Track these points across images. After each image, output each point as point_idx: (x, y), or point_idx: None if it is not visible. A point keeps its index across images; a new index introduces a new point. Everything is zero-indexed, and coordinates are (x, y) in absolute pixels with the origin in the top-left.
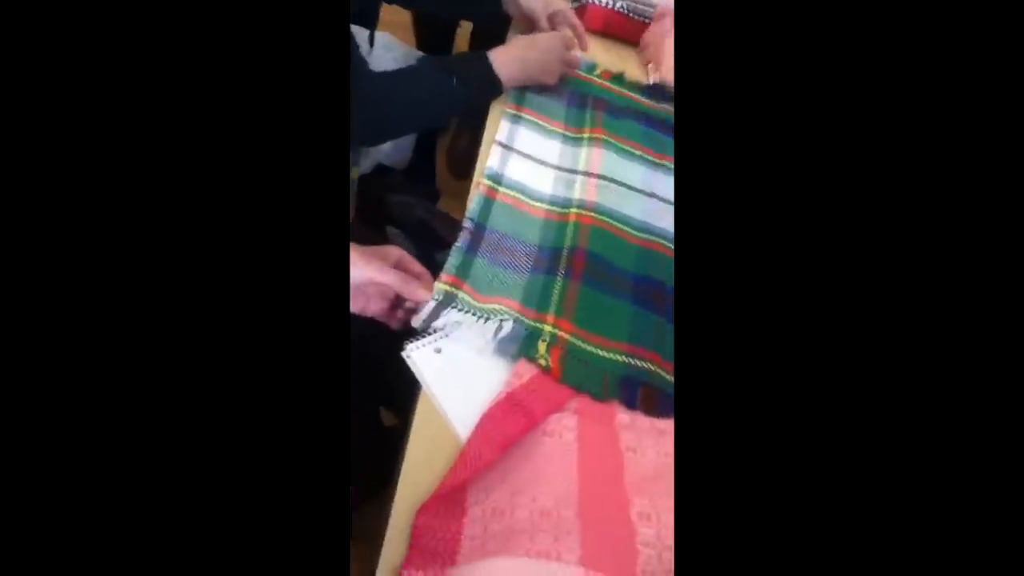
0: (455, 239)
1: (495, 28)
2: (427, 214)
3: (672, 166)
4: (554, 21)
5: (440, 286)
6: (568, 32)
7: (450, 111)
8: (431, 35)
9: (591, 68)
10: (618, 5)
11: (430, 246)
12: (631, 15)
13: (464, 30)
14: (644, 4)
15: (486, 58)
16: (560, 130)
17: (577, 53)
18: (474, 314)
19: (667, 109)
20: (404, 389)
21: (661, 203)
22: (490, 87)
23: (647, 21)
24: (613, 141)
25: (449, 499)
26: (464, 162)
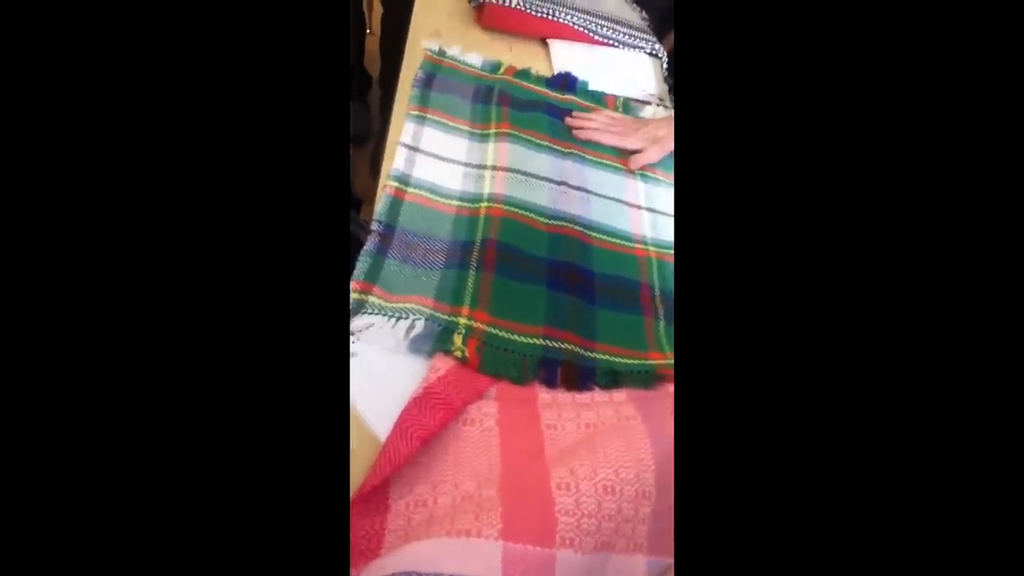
0: None
1: None
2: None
3: (580, 154)
4: None
5: (350, 295)
6: None
7: None
8: None
9: (495, 68)
10: (515, 3)
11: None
12: (530, 11)
13: None
14: (540, 1)
15: None
16: (466, 127)
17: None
18: (386, 315)
19: (572, 99)
20: None
21: (571, 190)
22: None
23: (547, 17)
24: (519, 134)
25: (371, 497)
26: None
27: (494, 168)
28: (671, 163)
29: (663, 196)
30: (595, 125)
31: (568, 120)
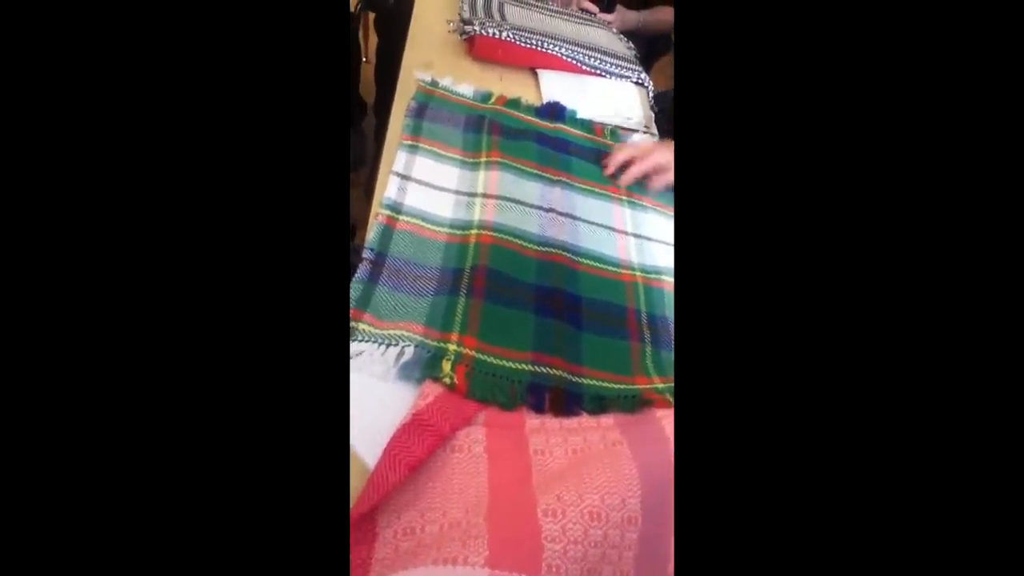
0: None
1: None
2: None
3: (568, 181)
4: None
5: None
6: None
7: None
8: None
9: (486, 97)
10: (504, 35)
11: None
12: (520, 42)
13: None
14: (530, 33)
15: None
16: (458, 156)
17: None
18: (376, 342)
19: (561, 128)
20: None
21: (559, 216)
22: None
23: (536, 48)
24: (509, 162)
25: (358, 526)
26: None
27: (484, 196)
28: (656, 190)
29: (649, 222)
30: (625, 156)
31: (604, 172)
